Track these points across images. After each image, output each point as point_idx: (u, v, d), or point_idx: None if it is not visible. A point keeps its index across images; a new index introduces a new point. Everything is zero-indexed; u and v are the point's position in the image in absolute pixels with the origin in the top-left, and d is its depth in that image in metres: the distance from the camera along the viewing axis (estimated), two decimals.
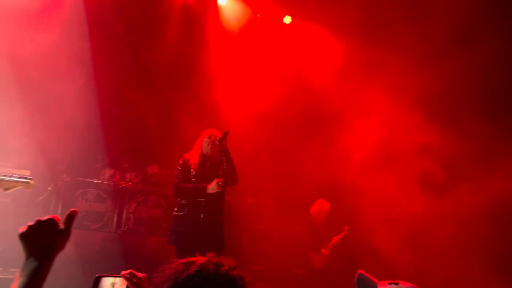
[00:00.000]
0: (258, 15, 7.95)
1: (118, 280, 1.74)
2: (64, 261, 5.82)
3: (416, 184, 6.53)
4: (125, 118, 7.14)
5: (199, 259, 1.66)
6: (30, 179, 3.18)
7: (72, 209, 1.62)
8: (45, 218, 1.56)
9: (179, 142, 7.20)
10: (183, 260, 1.66)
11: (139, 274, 1.77)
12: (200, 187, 4.70)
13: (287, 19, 8.01)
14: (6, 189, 3.11)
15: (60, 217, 5.42)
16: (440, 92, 6.64)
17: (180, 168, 4.92)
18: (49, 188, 6.14)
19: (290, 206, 7.36)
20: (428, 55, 6.75)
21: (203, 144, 4.94)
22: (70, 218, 1.59)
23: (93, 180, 6.48)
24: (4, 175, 3.07)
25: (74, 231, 5.74)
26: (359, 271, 1.88)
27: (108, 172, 6.68)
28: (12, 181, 3.12)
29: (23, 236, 1.53)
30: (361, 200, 6.62)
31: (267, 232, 7.06)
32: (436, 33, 6.60)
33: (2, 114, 5.46)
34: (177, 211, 4.81)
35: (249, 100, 7.45)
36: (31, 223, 1.53)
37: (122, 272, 1.75)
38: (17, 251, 5.53)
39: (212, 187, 4.68)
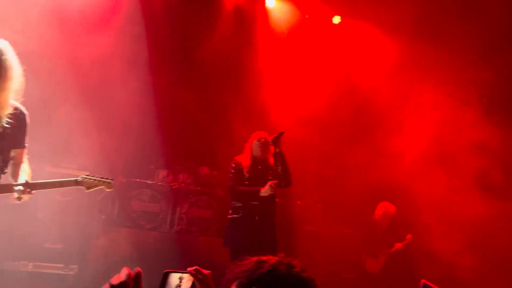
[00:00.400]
0: (307, 16, 7.87)
1: (185, 276, 1.78)
2: (121, 260, 6.03)
3: (474, 184, 6.22)
4: (178, 120, 7.29)
5: (271, 258, 1.68)
6: (111, 179, 3.39)
7: (137, 269, 1.63)
8: (117, 282, 1.57)
9: (230, 144, 7.27)
10: (254, 258, 1.69)
11: (204, 271, 1.81)
12: (254, 190, 4.75)
13: (337, 19, 7.89)
14: (89, 188, 3.30)
15: (117, 216, 5.58)
16: (496, 87, 6.32)
17: (233, 171, 4.99)
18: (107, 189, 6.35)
19: (338, 208, 7.25)
20: (484, 50, 6.45)
21: (253, 146, 4.98)
22: (138, 278, 1.60)
23: (147, 181, 6.65)
24: (87, 175, 3.29)
25: (130, 231, 5.92)
26: (423, 280, 1.81)
27: (162, 173, 6.86)
28: (95, 180, 3.31)
29: None
30: (415, 203, 6.39)
31: (316, 235, 6.97)
32: (492, 29, 6.30)
33: (64, 117, 5.71)
34: (232, 213, 4.87)
35: (298, 102, 7.40)
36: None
37: (188, 269, 1.79)
38: (77, 249, 5.79)
39: (265, 190, 4.71)
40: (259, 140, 4.93)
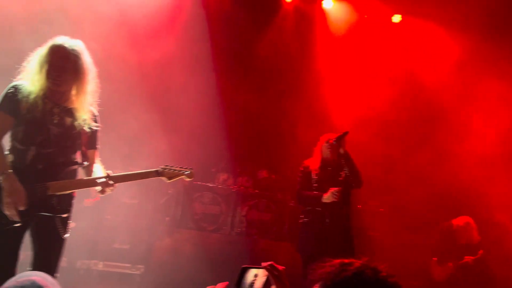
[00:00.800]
0: (365, 16, 7.70)
1: (260, 271, 1.80)
2: (185, 260, 6.17)
3: None
4: (238, 122, 7.35)
5: (355, 261, 1.64)
6: (190, 169, 3.34)
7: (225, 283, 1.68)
8: None
9: (289, 147, 7.25)
10: (338, 261, 1.65)
11: (279, 267, 1.80)
12: (316, 196, 4.68)
13: (397, 18, 7.65)
14: (170, 178, 3.29)
15: (181, 218, 5.68)
16: None
17: (300, 175, 4.95)
18: (169, 192, 6.54)
19: (401, 213, 6.99)
20: None
21: (323, 149, 4.89)
22: None
23: (208, 184, 6.77)
24: (166, 165, 3.28)
25: (192, 232, 6.04)
26: None
27: (222, 176, 6.95)
28: (175, 170, 3.29)
29: None
30: (486, 207, 6.04)
31: (379, 240, 6.76)
32: None
33: (131, 120, 5.92)
34: (303, 218, 4.83)
35: (359, 103, 7.24)
36: None
37: (263, 264, 1.80)
38: (143, 249, 5.99)
39: (327, 197, 4.62)
40: (327, 142, 4.83)
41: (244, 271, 1.78)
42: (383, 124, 7.25)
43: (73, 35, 3.10)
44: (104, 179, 3.07)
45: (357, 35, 7.63)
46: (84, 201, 5.42)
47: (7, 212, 2.82)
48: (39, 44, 3.06)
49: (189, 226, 6.47)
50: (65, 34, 3.08)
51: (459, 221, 6.16)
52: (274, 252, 6.26)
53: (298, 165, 5.17)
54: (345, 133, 4.66)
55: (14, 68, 3.04)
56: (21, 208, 2.84)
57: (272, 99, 7.67)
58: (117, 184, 3.14)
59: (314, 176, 4.80)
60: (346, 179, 4.71)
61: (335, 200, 4.57)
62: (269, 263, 1.80)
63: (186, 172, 3.31)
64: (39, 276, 1.70)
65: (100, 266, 5.70)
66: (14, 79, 3.03)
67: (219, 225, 6.61)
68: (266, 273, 1.79)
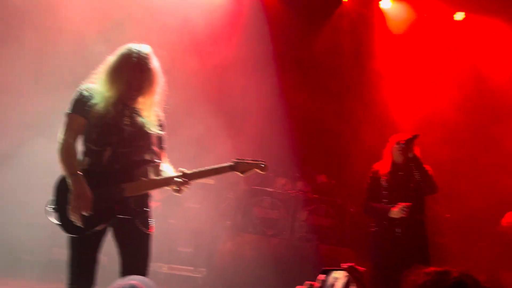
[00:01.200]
0: (425, 15, 7.45)
1: (340, 273, 1.78)
2: (246, 264, 6.21)
3: None
4: (297, 126, 7.30)
5: (454, 271, 1.59)
6: (263, 162, 3.24)
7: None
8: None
9: (349, 151, 7.13)
10: (433, 269, 1.62)
11: (360, 269, 1.77)
12: (383, 209, 4.43)
13: (459, 16, 7.33)
14: (243, 171, 3.20)
15: (241, 222, 5.70)
16: None
17: (369, 181, 4.70)
18: (230, 196, 6.63)
19: (469, 219, 6.65)
20: None
21: (393, 151, 4.60)
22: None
23: (267, 188, 6.79)
24: (238, 159, 3.20)
25: (253, 236, 6.06)
26: None
27: (280, 181, 6.95)
28: (248, 164, 3.19)
29: None
30: None
31: (446, 247, 6.46)
32: None
33: (198, 124, 6.05)
34: (374, 226, 4.60)
35: (422, 105, 6.99)
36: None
37: (342, 265, 1.77)
38: (205, 253, 6.11)
39: (395, 212, 4.35)
40: (398, 143, 4.52)
41: (324, 273, 1.77)
42: (448, 127, 6.96)
43: (140, 42, 3.19)
44: (180, 178, 3.05)
45: (417, 35, 7.39)
46: None
47: (71, 217, 2.84)
48: (109, 50, 3.17)
49: (249, 230, 6.52)
50: (133, 41, 3.17)
51: (504, 220, 5.79)
52: (335, 258, 6.16)
53: (360, 169, 4.99)
54: (415, 136, 4.40)
55: (87, 75, 3.15)
56: (86, 214, 2.85)
57: (331, 101, 7.58)
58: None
59: (383, 183, 4.54)
60: (418, 185, 4.46)
61: (404, 216, 4.30)
62: (349, 264, 1.77)
63: (258, 165, 3.21)
64: (138, 280, 1.77)
65: (165, 269, 5.87)
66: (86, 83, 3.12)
67: (278, 230, 6.60)
68: (346, 274, 1.76)
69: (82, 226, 2.87)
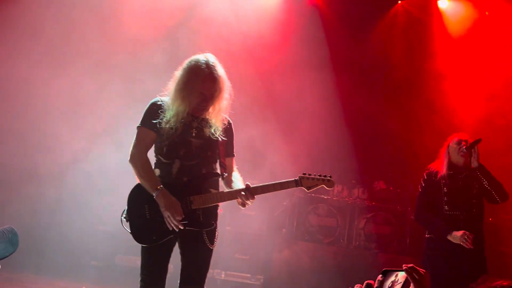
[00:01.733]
0: (487, 13, 7.08)
1: (400, 274, 1.71)
2: (302, 272, 6.13)
3: None
4: (353, 132, 7.15)
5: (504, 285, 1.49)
6: (330, 177, 3.16)
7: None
8: None
9: (407, 156, 6.88)
10: (499, 283, 1.58)
11: (421, 270, 1.68)
12: (441, 229, 4.10)
13: None
14: (309, 188, 3.13)
15: (296, 230, 5.62)
16: None
17: (423, 185, 4.34)
18: (284, 203, 6.60)
19: None
20: None
21: (451, 151, 4.25)
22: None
23: (323, 195, 6.70)
24: (304, 173, 3.13)
25: (309, 244, 5.95)
26: None
27: (336, 188, 6.83)
28: (314, 179, 3.12)
29: None
30: None
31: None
32: None
33: (253, 130, 6.09)
34: (429, 233, 4.29)
35: (488, 109, 6.61)
36: None
37: (404, 266, 1.69)
38: (262, 260, 6.10)
39: (456, 238, 4.01)
40: (459, 144, 4.17)
41: (384, 274, 1.71)
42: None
43: (195, 50, 3.26)
44: (245, 192, 3.08)
45: (479, 33, 7.03)
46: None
47: (169, 226, 2.96)
48: (166, 60, 3.25)
49: (305, 238, 6.46)
50: (189, 49, 3.25)
51: None
52: (395, 267, 5.93)
53: (420, 174, 4.67)
54: (478, 141, 4.05)
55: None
56: (180, 219, 2.95)
57: (389, 104, 7.38)
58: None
59: (443, 187, 4.19)
60: (482, 192, 4.15)
61: (466, 246, 3.95)
62: (409, 265, 1.67)
63: (325, 180, 3.14)
64: None
65: (223, 275, 5.92)
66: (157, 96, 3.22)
67: (335, 238, 6.50)
68: (406, 276, 1.67)
69: (153, 237, 3.00)
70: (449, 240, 4.06)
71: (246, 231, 6.22)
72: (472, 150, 4.07)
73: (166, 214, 2.96)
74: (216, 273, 5.90)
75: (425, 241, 4.37)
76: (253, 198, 3.08)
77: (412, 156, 6.72)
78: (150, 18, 6.32)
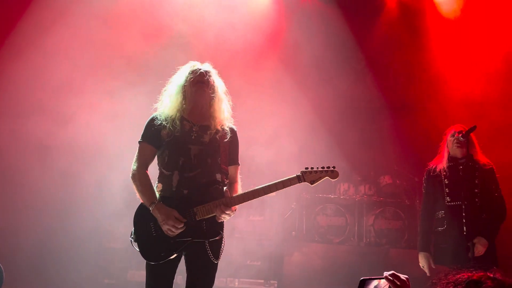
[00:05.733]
0: None
1: (382, 282, 1.75)
2: (314, 274, 6.20)
3: None
4: (351, 130, 7.23)
5: (486, 279, 1.52)
6: (333, 167, 3.12)
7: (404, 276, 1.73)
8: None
9: (412, 148, 6.93)
10: (465, 277, 1.56)
11: (402, 276, 1.74)
12: (422, 243, 4.42)
13: None
14: (313, 182, 3.10)
15: (306, 232, 5.71)
16: None
17: (424, 184, 4.56)
18: (293, 206, 6.69)
19: None
20: None
21: (448, 144, 4.41)
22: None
23: (330, 195, 6.78)
24: (306, 168, 3.11)
25: (319, 245, 6.04)
26: None
27: (342, 186, 6.92)
28: (317, 172, 3.09)
29: None
30: None
31: None
32: None
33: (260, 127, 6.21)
34: (436, 226, 4.42)
35: (482, 92, 6.65)
36: None
37: (385, 274, 1.75)
38: (274, 264, 6.17)
39: (421, 257, 4.39)
40: (453, 135, 4.32)
41: (362, 283, 1.72)
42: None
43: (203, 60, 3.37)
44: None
45: (474, 15, 7.03)
46: None
47: (171, 241, 3.01)
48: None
49: (315, 240, 6.56)
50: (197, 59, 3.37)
51: None
52: (408, 261, 6.02)
53: (423, 166, 4.77)
54: (473, 128, 4.15)
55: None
56: (181, 229, 2.98)
57: (388, 97, 7.46)
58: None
59: (445, 180, 4.31)
60: (484, 182, 4.25)
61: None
62: (390, 272, 1.73)
63: (329, 172, 3.11)
64: None
65: (236, 283, 6.01)
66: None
67: (345, 237, 6.61)
68: (388, 283, 1.72)
69: (162, 253, 3.05)
70: (456, 232, 4.16)
71: (256, 237, 6.34)
72: (468, 136, 4.16)
73: (165, 228, 3.00)
74: (229, 281, 6.01)
75: (433, 234, 4.46)
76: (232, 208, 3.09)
77: (416, 148, 6.78)
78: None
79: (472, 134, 4.23)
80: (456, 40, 7.11)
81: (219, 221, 3.11)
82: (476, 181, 4.26)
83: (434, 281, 1.63)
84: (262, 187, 3.10)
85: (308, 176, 3.09)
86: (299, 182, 3.11)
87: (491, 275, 1.50)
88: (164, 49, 6.32)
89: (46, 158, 6.03)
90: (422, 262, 4.38)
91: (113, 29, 6.25)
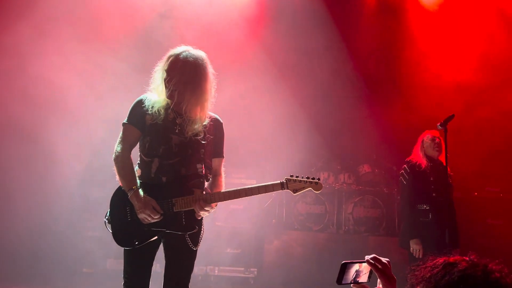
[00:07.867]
0: None
1: (363, 265, 1.78)
2: (294, 261, 6.31)
3: None
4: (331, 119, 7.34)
5: (461, 260, 1.55)
6: (318, 179, 3.20)
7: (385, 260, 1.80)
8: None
9: (388, 139, 7.08)
10: (441, 260, 1.59)
11: (383, 259, 1.77)
12: (412, 232, 4.83)
13: None
14: (295, 191, 3.16)
15: (286, 219, 5.84)
16: None
17: (407, 177, 4.95)
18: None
19: None
20: None
21: (425, 146, 4.92)
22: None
23: None
24: (291, 176, 3.16)
25: (299, 233, 6.20)
26: None
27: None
28: (301, 181, 3.15)
29: None
30: None
31: (502, 229, 6.34)
32: None
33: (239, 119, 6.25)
34: (419, 217, 4.88)
35: (465, 85, 6.83)
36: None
37: (366, 257, 1.78)
38: (254, 252, 6.26)
39: (412, 244, 4.80)
40: (433, 140, 4.86)
41: (344, 267, 1.74)
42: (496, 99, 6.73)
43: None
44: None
45: (453, 7, 7.16)
46: None
47: (145, 228, 3.03)
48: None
49: (295, 227, 6.69)
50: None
51: None
52: (386, 248, 6.25)
53: (402, 156, 5.07)
54: (451, 117, 4.40)
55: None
56: (157, 217, 2.98)
57: (368, 88, 7.58)
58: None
59: (430, 177, 4.82)
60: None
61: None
62: (371, 256, 1.76)
63: (313, 183, 3.19)
64: None
65: (216, 271, 6.09)
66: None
67: (325, 225, 6.75)
68: (369, 267, 1.75)
69: (135, 240, 3.05)
70: (426, 219, 4.77)
71: (236, 225, 6.42)
72: (446, 125, 4.44)
73: (141, 216, 2.99)
74: (209, 269, 6.10)
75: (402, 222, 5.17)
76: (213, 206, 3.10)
77: (395, 137, 6.93)
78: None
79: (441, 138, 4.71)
80: (436, 30, 7.28)
81: (198, 218, 3.12)
82: (450, 181, 4.86)
83: (412, 267, 1.68)
84: (244, 189, 3.14)
85: (291, 185, 3.15)
86: (282, 189, 3.16)
87: (467, 258, 1.55)
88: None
89: (25, 146, 6.00)
90: (418, 247, 4.75)
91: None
